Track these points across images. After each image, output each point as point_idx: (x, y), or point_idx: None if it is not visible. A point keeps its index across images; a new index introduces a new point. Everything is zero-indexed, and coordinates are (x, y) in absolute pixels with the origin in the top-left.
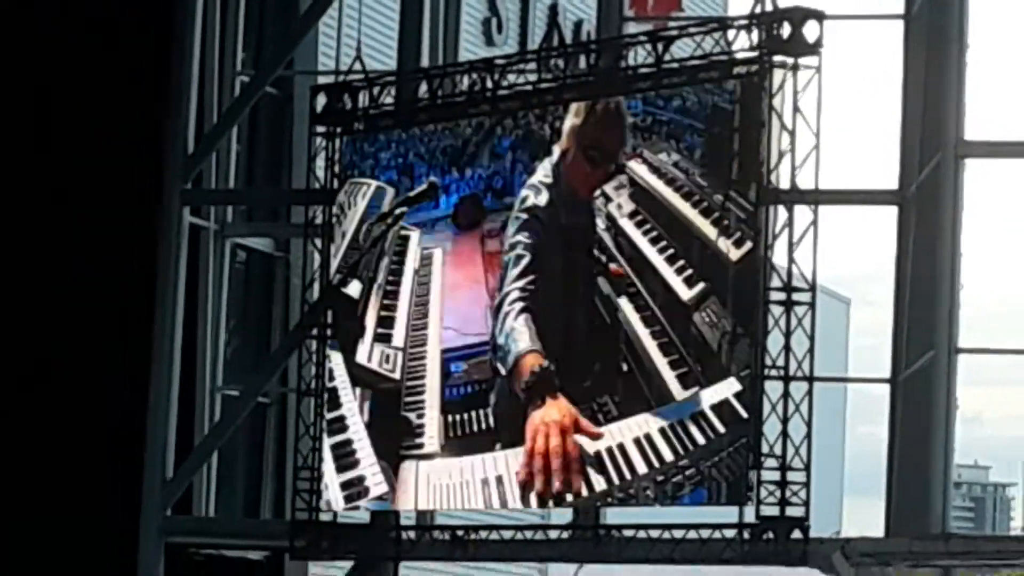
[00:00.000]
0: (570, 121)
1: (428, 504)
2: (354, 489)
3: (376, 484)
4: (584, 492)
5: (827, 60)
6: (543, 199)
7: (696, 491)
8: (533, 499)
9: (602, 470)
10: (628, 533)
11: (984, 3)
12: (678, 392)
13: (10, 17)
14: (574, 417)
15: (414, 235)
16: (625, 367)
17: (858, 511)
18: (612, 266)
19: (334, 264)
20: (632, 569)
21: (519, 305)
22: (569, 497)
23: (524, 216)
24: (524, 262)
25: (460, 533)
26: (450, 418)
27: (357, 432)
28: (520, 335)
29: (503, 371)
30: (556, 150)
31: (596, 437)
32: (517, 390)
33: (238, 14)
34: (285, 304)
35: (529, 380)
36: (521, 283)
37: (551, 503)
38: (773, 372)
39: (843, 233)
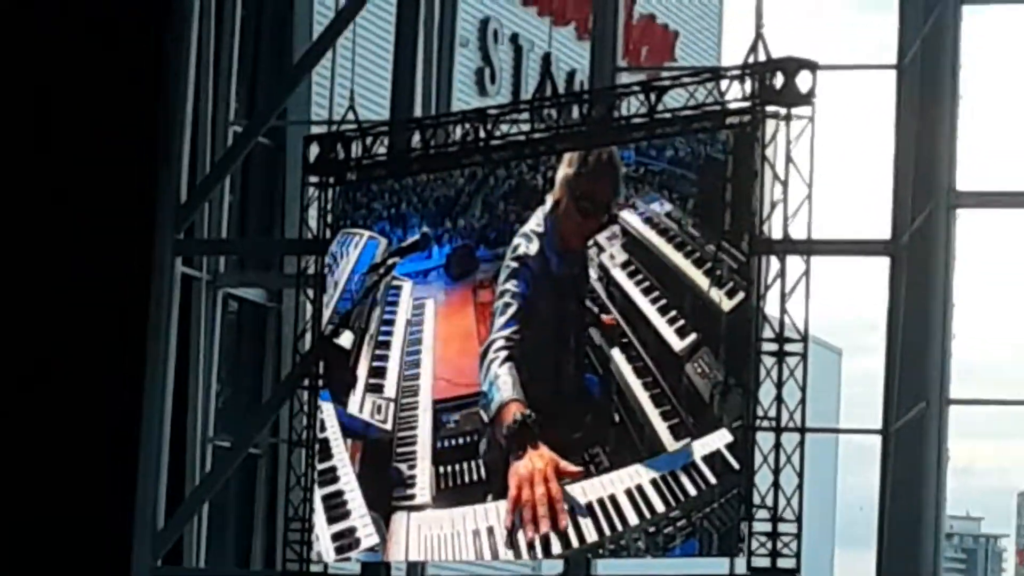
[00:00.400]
0: (563, 171)
1: (419, 555)
2: (345, 540)
3: (367, 535)
4: (572, 534)
5: (820, 110)
6: (534, 248)
7: (687, 542)
8: (524, 547)
9: (593, 520)
10: None
11: (976, 54)
12: (670, 443)
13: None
14: (555, 463)
15: (406, 285)
16: (617, 418)
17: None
18: (604, 317)
19: (326, 314)
20: None
21: (503, 354)
22: (557, 546)
23: (514, 264)
24: (511, 310)
25: None
26: (441, 469)
27: (348, 483)
28: (503, 384)
29: (486, 418)
30: (549, 200)
31: (577, 476)
32: (499, 438)
33: (231, 64)
34: (277, 354)
35: (511, 428)
36: (507, 332)
37: (539, 551)
38: (765, 423)
39: (835, 283)
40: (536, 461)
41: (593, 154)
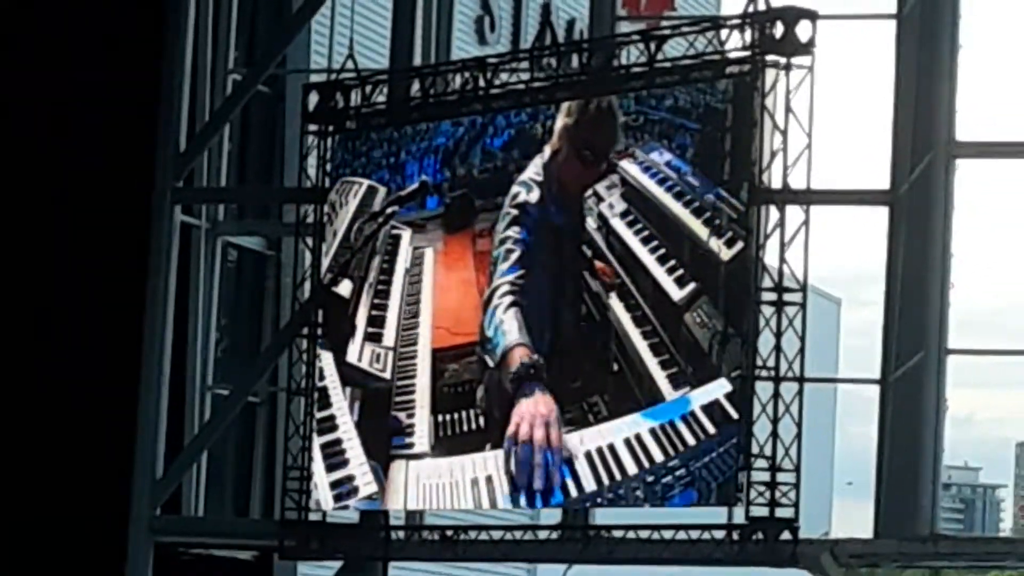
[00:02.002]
0: (562, 120)
1: (417, 504)
2: (343, 488)
3: (366, 484)
4: (571, 484)
5: (819, 59)
6: (534, 196)
7: (686, 492)
8: (522, 496)
9: (592, 469)
10: (618, 534)
11: (976, 3)
12: (668, 393)
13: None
14: (557, 415)
15: (405, 234)
16: (615, 367)
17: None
18: (597, 263)
19: (325, 263)
20: (621, 570)
21: (508, 299)
22: (556, 495)
23: (514, 212)
24: (514, 256)
25: (449, 533)
26: (440, 418)
27: (347, 431)
28: (509, 328)
29: (491, 364)
30: (548, 149)
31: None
32: (505, 382)
33: (230, 13)
34: (276, 303)
35: (518, 371)
36: (511, 277)
37: (539, 500)
38: (763, 373)
39: (834, 233)
40: (540, 406)
41: (592, 103)
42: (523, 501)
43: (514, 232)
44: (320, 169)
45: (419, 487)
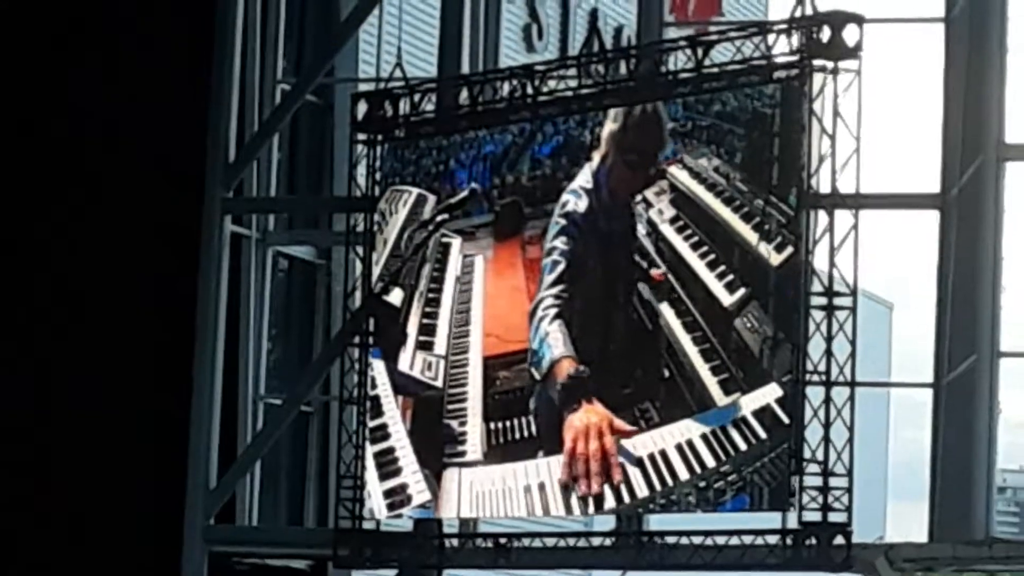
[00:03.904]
0: (608, 127)
1: (471, 512)
2: (397, 497)
3: (419, 492)
4: (623, 489)
5: (867, 64)
6: (583, 205)
7: (738, 497)
8: (575, 503)
9: (644, 475)
10: (671, 540)
11: None
12: (719, 398)
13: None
14: (609, 419)
15: (455, 242)
16: (667, 373)
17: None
18: (653, 271)
19: (376, 272)
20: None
21: (553, 311)
22: (610, 501)
23: (563, 221)
24: (560, 268)
25: (503, 541)
26: (492, 426)
27: (400, 440)
28: (554, 340)
29: (538, 376)
30: (596, 156)
31: (630, 435)
32: (552, 394)
33: (279, 22)
34: (327, 312)
35: (564, 384)
36: (555, 290)
37: (592, 507)
38: (815, 377)
39: (885, 237)
40: (591, 416)
41: (637, 109)
42: (576, 508)
43: (560, 243)
44: (369, 178)
45: (472, 495)
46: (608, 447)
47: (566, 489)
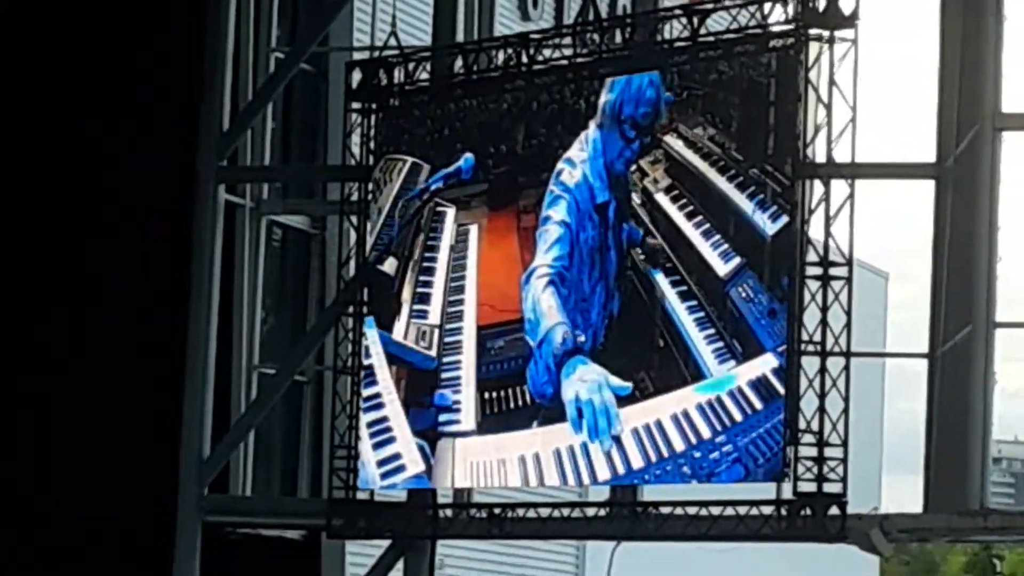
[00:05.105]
0: (604, 96)
1: (465, 482)
2: (391, 466)
3: (413, 461)
4: (618, 459)
5: (863, 33)
6: (577, 173)
7: (733, 467)
8: (570, 473)
9: (639, 446)
10: (665, 510)
11: None
12: (715, 368)
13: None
14: (606, 376)
15: (450, 211)
16: (661, 343)
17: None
18: (649, 239)
19: (370, 241)
20: (669, 546)
21: (545, 280)
22: (604, 472)
23: (557, 190)
24: (554, 236)
25: (497, 511)
26: (487, 395)
27: (394, 409)
28: (548, 308)
29: (533, 344)
30: (591, 125)
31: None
32: (549, 361)
33: None
34: (321, 281)
35: (560, 350)
36: (548, 258)
37: (586, 477)
38: (810, 348)
39: (881, 207)
40: (591, 373)
41: (634, 80)
42: (570, 477)
43: (554, 212)
44: (364, 147)
45: (466, 465)
46: (608, 399)
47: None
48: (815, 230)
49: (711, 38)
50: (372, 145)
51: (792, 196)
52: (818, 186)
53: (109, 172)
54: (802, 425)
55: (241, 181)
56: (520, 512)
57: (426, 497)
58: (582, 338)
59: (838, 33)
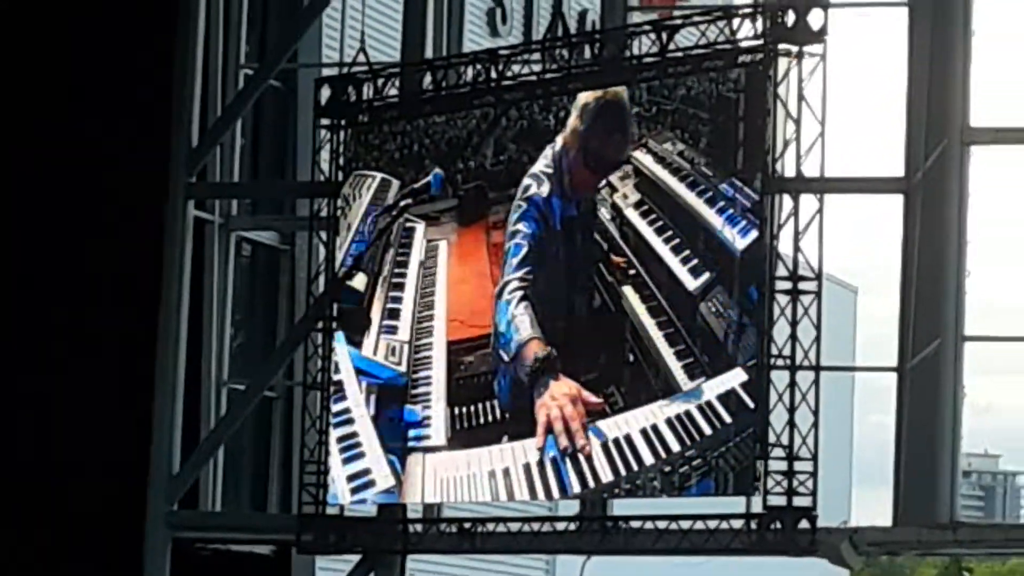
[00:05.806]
0: (573, 121)
1: (435, 497)
2: (360, 481)
3: (383, 477)
4: (588, 473)
5: (832, 48)
6: (545, 189)
7: (703, 481)
8: (539, 488)
9: (609, 460)
10: (635, 524)
11: None
12: (684, 383)
13: (11, 10)
14: (579, 389)
15: (419, 227)
16: (631, 358)
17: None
18: (614, 257)
19: (339, 257)
20: (640, 561)
21: (519, 294)
22: (576, 485)
23: (524, 205)
24: (523, 251)
25: (467, 526)
26: (456, 410)
27: (363, 425)
28: (521, 323)
29: (506, 359)
30: (559, 140)
31: (598, 408)
32: (521, 376)
33: (241, 7)
34: (291, 297)
35: (533, 365)
36: (520, 272)
37: (556, 491)
38: (779, 362)
39: (850, 222)
40: (562, 388)
41: (604, 113)
42: (540, 492)
43: (523, 227)
44: (333, 163)
45: (436, 480)
46: (581, 412)
47: (541, 460)
48: (784, 245)
49: (680, 54)
50: (341, 161)
51: (761, 211)
52: (787, 201)
53: (78, 187)
54: (772, 439)
55: (210, 197)
56: (490, 527)
57: (396, 512)
58: (554, 353)
59: (807, 48)
